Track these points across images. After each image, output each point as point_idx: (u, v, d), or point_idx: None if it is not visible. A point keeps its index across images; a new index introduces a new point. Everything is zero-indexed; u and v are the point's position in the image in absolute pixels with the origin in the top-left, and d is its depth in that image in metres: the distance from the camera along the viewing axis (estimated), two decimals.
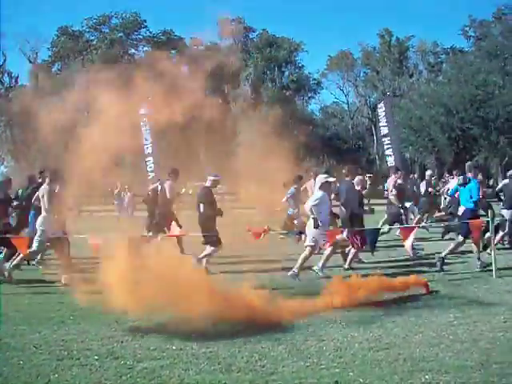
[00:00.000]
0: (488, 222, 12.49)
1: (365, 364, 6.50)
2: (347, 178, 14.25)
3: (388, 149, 25.89)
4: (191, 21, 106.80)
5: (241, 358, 6.83)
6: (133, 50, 73.62)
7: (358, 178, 14.25)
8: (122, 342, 7.49)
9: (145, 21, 71.79)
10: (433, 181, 22.16)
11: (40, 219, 12.24)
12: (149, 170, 26.63)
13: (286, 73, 70.73)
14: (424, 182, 21.29)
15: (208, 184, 13.52)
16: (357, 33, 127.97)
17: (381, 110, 26.91)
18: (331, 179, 13.06)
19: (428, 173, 22.31)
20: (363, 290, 9.33)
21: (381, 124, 26.65)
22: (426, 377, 6.00)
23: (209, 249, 12.96)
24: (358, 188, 13.78)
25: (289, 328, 7.99)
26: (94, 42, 70.23)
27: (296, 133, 65.06)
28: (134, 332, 7.87)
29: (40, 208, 12.40)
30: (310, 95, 75.12)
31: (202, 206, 13.14)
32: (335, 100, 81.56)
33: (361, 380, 5.99)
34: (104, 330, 8.02)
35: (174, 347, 7.22)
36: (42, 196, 12.21)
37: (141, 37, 73.50)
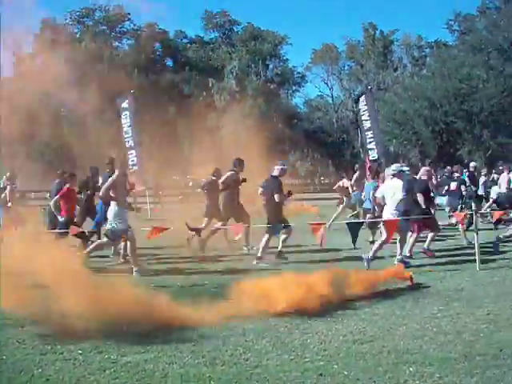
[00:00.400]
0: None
1: (349, 356, 6.50)
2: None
3: (371, 142, 25.87)
4: (176, 14, 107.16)
5: (225, 351, 6.82)
6: (116, 43, 73.37)
7: (424, 169, 15.12)
8: (106, 336, 7.45)
9: (129, 13, 71.51)
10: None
11: (113, 211, 12.22)
12: (131, 163, 26.58)
13: (271, 66, 70.72)
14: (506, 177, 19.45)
15: (276, 173, 13.62)
16: (341, 26, 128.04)
17: (362, 104, 26.88)
18: (405, 168, 13.79)
19: (472, 164, 22.36)
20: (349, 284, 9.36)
21: (363, 118, 26.62)
22: (411, 369, 6.02)
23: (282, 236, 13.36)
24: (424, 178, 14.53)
25: (273, 321, 7.98)
26: (78, 36, 69.83)
27: (280, 126, 65.21)
28: (117, 326, 7.82)
29: (110, 199, 12.38)
30: (294, 88, 75.22)
31: (276, 195, 13.12)
32: (319, 93, 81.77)
33: (345, 372, 6.00)
34: (87, 324, 7.96)
35: (157, 341, 7.19)
36: (108, 188, 12.24)
37: (124, 30, 73.23)
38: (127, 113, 27.54)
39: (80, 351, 6.87)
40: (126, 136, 27.30)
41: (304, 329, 7.63)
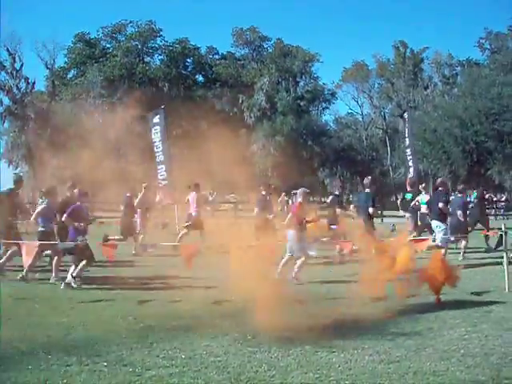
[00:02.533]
0: None
1: (374, 377, 6.44)
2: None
3: (410, 160, 25.98)
4: (206, 30, 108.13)
5: (250, 367, 6.79)
6: (148, 59, 74.10)
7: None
8: (131, 348, 7.47)
9: (160, 29, 72.30)
10: None
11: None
12: (160, 177, 26.76)
13: (301, 83, 70.79)
14: None
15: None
16: (372, 44, 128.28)
17: (406, 121, 27.08)
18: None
19: None
20: None
21: (406, 135, 26.78)
22: None
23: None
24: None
25: (298, 338, 7.95)
26: (110, 50, 70.70)
27: (310, 143, 65.22)
28: (143, 339, 7.85)
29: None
30: (324, 106, 75.15)
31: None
32: (349, 111, 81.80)
33: None
34: (113, 337, 8.01)
35: (183, 355, 7.20)
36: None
37: (156, 45, 73.96)
38: (158, 127, 27.77)
39: (105, 363, 6.88)
40: (156, 150, 27.51)
41: (330, 347, 7.57)
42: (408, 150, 26.54)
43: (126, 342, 7.74)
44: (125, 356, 7.19)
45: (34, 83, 64.21)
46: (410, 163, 25.98)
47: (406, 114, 27.93)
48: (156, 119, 28.12)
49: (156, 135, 27.75)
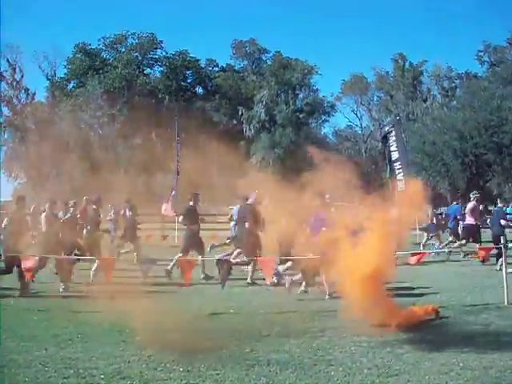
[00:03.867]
0: None
1: None
2: None
3: (399, 174, 25.78)
4: (206, 42, 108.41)
5: (248, 381, 6.77)
6: (148, 70, 74.24)
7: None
8: (128, 361, 7.45)
9: (161, 41, 72.44)
10: None
11: None
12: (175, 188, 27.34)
13: (300, 95, 70.78)
14: None
15: None
16: (370, 57, 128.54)
17: (391, 135, 26.85)
18: None
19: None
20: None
21: (392, 149, 26.57)
22: None
23: None
24: None
25: (297, 352, 7.93)
26: (111, 61, 70.79)
27: (309, 155, 65.24)
28: (141, 352, 7.82)
29: None
30: (323, 118, 75.04)
31: None
32: (349, 123, 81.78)
33: None
34: (111, 349, 7.98)
35: (181, 369, 7.17)
36: None
37: (156, 57, 74.09)
38: (179, 139, 28.45)
39: (102, 376, 6.87)
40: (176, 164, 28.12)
41: (328, 360, 7.55)
42: (397, 164, 26.32)
43: (123, 355, 7.71)
44: (123, 369, 7.17)
45: (34, 94, 64.46)
46: (400, 177, 25.77)
47: (391, 128, 27.49)
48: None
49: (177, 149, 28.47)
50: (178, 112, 42.02)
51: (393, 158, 26.47)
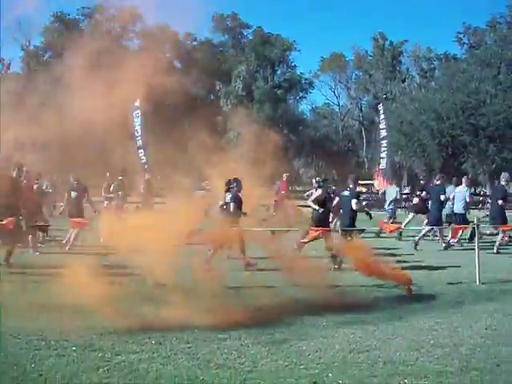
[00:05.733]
0: None
1: (344, 365, 6.46)
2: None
3: (384, 151, 25.92)
4: (185, 15, 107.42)
5: (220, 354, 6.78)
6: (126, 42, 73.48)
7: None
8: (100, 334, 7.42)
9: (140, 14, 71.54)
10: None
11: None
12: (142, 162, 26.42)
13: (279, 72, 70.51)
14: None
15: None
16: (350, 35, 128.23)
17: (381, 112, 26.95)
18: None
19: None
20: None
21: (380, 126, 26.67)
22: (405, 380, 5.98)
23: None
24: None
25: (269, 326, 7.94)
26: (89, 32, 69.88)
27: (286, 132, 65.17)
28: (113, 325, 7.78)
29: None
30: (301, 95, 74.84)
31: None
32: (326, 101, 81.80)
33: (339, 381, 5.96)
34: (83, 322, 7.93)
35: (153, 341, 7.17)
36: None
37: (136, 29, 73.29)
38: (139, 111, 27.41)
39: (74, 348, 6.84)
40: (136, 135, 27.25)
41: (300, 335, 7.58)
42: (383, 142, 26.51)
43: (95, 327, 7.67)
44: (94, 341, 7.14)
45: (9, 64, 63.37)
46: (384, 155, 25.95)
47: (380, 106, 27.76)
48: (137, 103, 27.70)
49: (136, 119, 27.42)
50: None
51: (380, 136, 26.57)
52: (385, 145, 26.28)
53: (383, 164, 25.33)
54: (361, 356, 6.79)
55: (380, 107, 27.49)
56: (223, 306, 8.42)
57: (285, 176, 20.88)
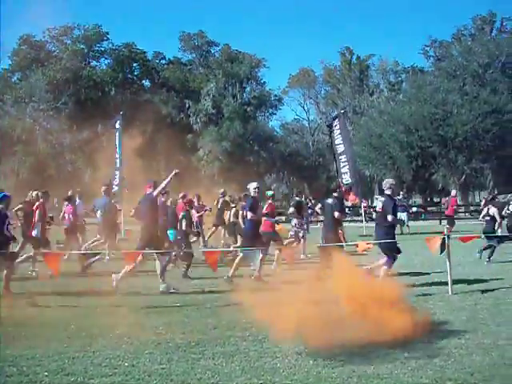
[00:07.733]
0: None
1: (319, 381, 6.44)
2: None
3: (344, 166, 25.92)
4: (153, 35, 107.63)
5: (194, 374, 6.72)
6: (94, 62, 73.37)
7: None
8: (73, 358, 7.33)
9: (107, 33, 71.63)
10: None
11: None
12: (115, 183, 26.16)
13: (248, 89, 70.70)
14: None
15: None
16: (318, 50, 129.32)
17: (336, 128, 26.92)
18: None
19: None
20: None
21: (336, 142, 26.67)
22: None
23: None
24: None
25: (243, 344, 7.91)
26: (56, 53, 69.64)
27: (256, 149, 65.33)
28: (85, 348, 7.70)
29: None
30: (270, 111, 75.11)
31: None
32: (296, 117, 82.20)
33: None
34: (55, 346, 7.83)
35: (126, 364, 7.09)
36: None
37: (103, 49, 73.22)
38: (117, 133, 27.70)
39: (46, 373, 6.73)
40: (116, 156, 27.36)
41: (274, 352, 7.55)
42: (342, 157, 26.32)
43: (67, 351, 7.58)
44: (66, 365, 7.04)
45: None
46: (345, 169, 25.85)
47: (336, 121, 27.40)
48: (117, 125, 28.01)
49: (117, 141, 27.58)
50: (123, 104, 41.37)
51: (338, 151, 26.54)
52: (344, 159, 26.06)
53: (347, 178, 25.27)
54: (335, 371, 6.76)
55: (335, 123, 27.21)
56: (196, 324, 8.37)
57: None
